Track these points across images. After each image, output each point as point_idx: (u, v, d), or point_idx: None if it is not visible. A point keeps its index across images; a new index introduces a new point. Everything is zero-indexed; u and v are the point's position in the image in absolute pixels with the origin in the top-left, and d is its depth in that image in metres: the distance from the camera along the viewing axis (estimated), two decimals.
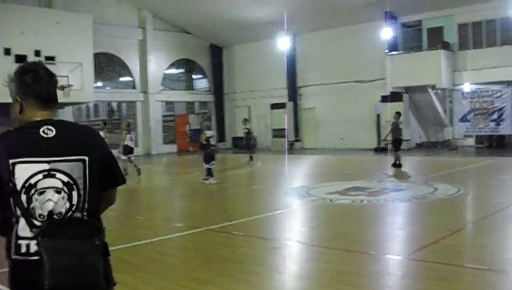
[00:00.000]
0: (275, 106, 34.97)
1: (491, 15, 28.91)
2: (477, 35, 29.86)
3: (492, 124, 27.59)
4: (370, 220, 10.58)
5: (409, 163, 22.43)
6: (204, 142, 16.77)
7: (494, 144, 28.45)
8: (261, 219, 10.94)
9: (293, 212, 12.00)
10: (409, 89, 30.01)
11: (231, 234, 9.45)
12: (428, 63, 28.99)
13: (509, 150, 27.13)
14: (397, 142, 19.62)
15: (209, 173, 16.77)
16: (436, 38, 30.47)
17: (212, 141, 17.12)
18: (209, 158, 16.81)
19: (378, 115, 30.77)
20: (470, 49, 29.84)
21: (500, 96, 28.16)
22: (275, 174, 20.65)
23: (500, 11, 27.77)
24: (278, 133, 33.97)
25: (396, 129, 19.78)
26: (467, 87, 29.52)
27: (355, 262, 7.48)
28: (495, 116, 27.70)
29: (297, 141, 35.16)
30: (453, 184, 14.45)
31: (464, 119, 29.04)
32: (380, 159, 24.35)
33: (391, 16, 30.80)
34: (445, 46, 29.70)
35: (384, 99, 30.14)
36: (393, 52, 30.63)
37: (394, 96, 29.85)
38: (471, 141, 30.50)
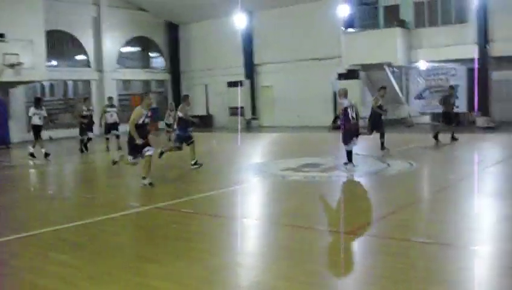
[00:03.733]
0: (231, 84, 34.68)
1: None
2: (433, 13, 30.03)
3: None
4: (321, 196, 10.53)
5: (365, 140, 22.50)
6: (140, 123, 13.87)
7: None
8: (211, 196, 10.79)
9: (245, 189, 11.86)
10: (365, 67, 30.08)
11: (180, 212, 9.29)
12: (384, 41, 29.06)
13: (463, 126, 27.47)
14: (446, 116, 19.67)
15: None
16: (393, 16, 30.58)
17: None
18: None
19: (334, 93, 30.80)
20: (425, 27, 30.02)
21: (454, 74, 28.43)
22: (230, 151, 20.49)
23: None
24: (235, 111, 33.72)
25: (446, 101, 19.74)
26: (422, 65, 29.74)
27: (303, 238, 7.40)
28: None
29: (254, 119, 34.96)
30: (407, 160, 14.52)
31: (419, 96, 29.29)
32: (336, 137, 24.34)
33: None
34: (401, 24, 29.80)
35: (341, 76, 30.18)
36: (349, 30, 30.64)
37: (350, 74, 29.93)
38: (427, 119, 30.82)
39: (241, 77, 34.92)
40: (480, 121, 27.06)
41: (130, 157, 11.88)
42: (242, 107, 33.49)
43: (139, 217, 9.22)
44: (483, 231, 7.69)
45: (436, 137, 18.77)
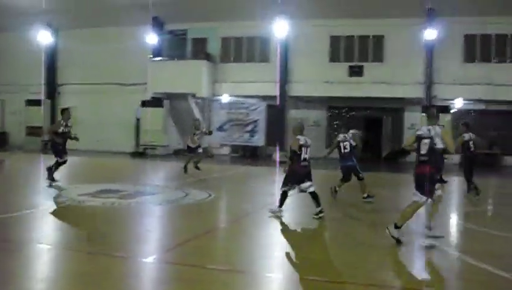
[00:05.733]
0: (30, 102, 32.99)
1: (252, 32, 30.48)
2: (239, 50, 31.25)
3: (247, 135, 29.00)
4: (119, 223, 10.32)
5: (166, 169, 22.62)
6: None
7: (247, 154, 29.83)
8: (1, 220, 10.06)
9: (39, 213, 11.21)
10: (170, 96, 30.34)
11: None
12: (190, 72, 29.59)
13: (261, 159, 28.69)
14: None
15: None
16: (200, 49, 31.30)
17: None
18: None
19: (138, 120, 30.59)
20: (231, 62, 31.08)
21: (255, 110, 29.68)
22: (24, 173, 19.41)
23: (260, 30, 29.35)
24: (33, 131, 32.07)
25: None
26: (225, 98, 30.65)
27: (100, 264, 7.17)
28: (249, 127, 29.15)
29: None
30: (205, 190, 14.74)
31: (221, 128, 30.09)
32: (137, 164, 24.16)
33: (158, 22, 30.98)
34: (208, 57, 30.60)
35: (145, 104, 30.12)
36: (156, 58, 30.77)
37: (155, 102, 29.98)
38: (227, 150, 31.72)
39: (41, 96, 33.33)
40: (278, 155, 28.39)
41: None
42: (40, 127, 31.91)
43: None
44: (276, 258, 8.01)
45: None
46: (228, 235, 9.69)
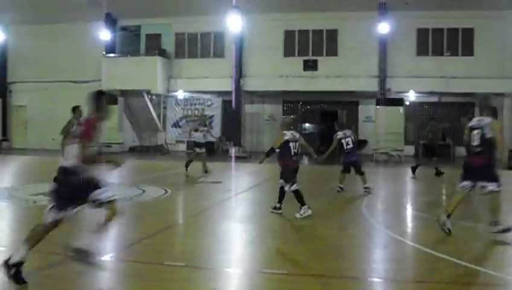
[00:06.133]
0: None
1: (206, 28, 30.40)
2: (193, 46, 31.09)
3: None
4: (73, 223, 10.10)
5: (122, 166, 22.28)
6: None
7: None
8: None
9: None
10: (124, 93, 30.00)
11: None
12: (144, 68, 29.34)
13: (217, 155, 28.64)
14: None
15: None
16: (154, 45, 31.03)
17: None
18: None
19: None
20: (185, 58, 30.92)
21: (211, 105, 29.62)
22: None
23: (214, 25, 29.28)
24: None
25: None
26: (180, 94, 30.48)
27: (54, 265, 7.02)
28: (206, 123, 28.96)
29: (4, 140, 32.82)
30: (162, 187, 14.63)
31: (176, 125, 29.93)
32: None
33: (111, 18, 30.57)
34: (162, 53, 30.36)
35: None
36: (110, 55, 30.40)
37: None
38: (183, 147, 31.55)
39: None
40: (233, 150, 28.40)
41: None
42: None
43: None
44: (232, 253, 8.01)
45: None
46: (185, 232, 9.66)
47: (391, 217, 10.33)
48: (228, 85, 29.35)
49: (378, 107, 27.23)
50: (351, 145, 14.00)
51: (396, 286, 6.43)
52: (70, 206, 6.36)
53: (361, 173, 14.10)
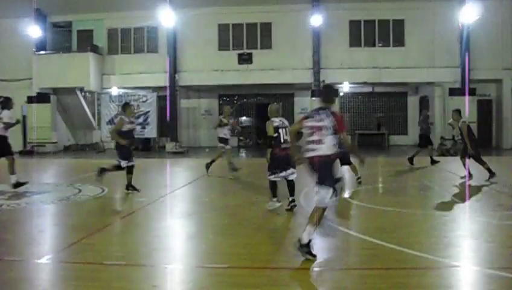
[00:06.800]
0: None
1: (139, 23, 30.02)
2: (126, 41, 30.69)
3: (139, 128, 28.47)
4: (9, 226, 9.82)
5: (57, 166, 21.96)
6: None
7: (140, 146, 29.35)
8: None
9: None
10: (57, 91, 29.41)
11: None
12: (77, 65, 28.80)
13: (154, 152, 28.45)
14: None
15: None
16: (86, 41, 30.47)
17: None
18: None
19: (24, 117, 29.33)
20: (118, 54, 30.48)
21: (146, 101, 29.31)
22: None
23: (148, 20, 29.00)
24: None
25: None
26: (114, 91, 30.04)
27: None
28: (141, 120, 28.71)
29: None
30: (99, 185, 14.40)
31: (111, 122, 29.49)
32: (25, 162, 23.22)
33: (41, 15, 29.83)
34: (95, 49, 29.84)
35: (31, 100, 28.99)
36: (41, 52, 29.67)
37: (41, 97, 28.92)
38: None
39: None
40: (170, 146, 28.24)
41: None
42: None
43: None
44: (173, 249, 7.96)
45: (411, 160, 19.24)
46: (124, 230, 9.53)
47: (329, 207, 10.42)
48: (163, 80, 29.12)
49: (313, 98, 27.52)
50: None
51: (337, 274, 6.53)
52: None
53: (349, 163, 14.04)
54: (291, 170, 10.46)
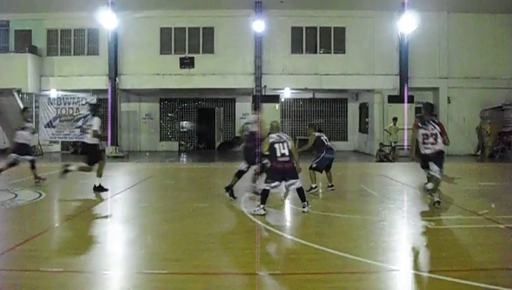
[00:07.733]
0: None
1: (79, 24, 29.58)
2: (66, 43, 30.17)
3: (78, 131, 28.03)
4: None
5: None
6: None
7: (79, 150, 28.83)
8: None
9: None
10: None
11: None
12: (14, 66, 28.17)
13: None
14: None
15: None
16: (24, 41, 29.81)
17: None
18: None
19: None
20: (58, 56, 29.94)
21: (85, 104, 28.84)
22: None
23: (89, 22, 28.57)
24: None
25: None
26: (53, 93, 29.48)
27: None
28: (80, 123, 28.24)
29: None
30: (36, 190, 14.13)
31: (49, 125, 28.92)
32: None
33: None
34: (33, 50, 29.23)
35: None
36: None
37: None
38: (57, 147, 30.61)
39: None
40: (110, 150, 27.90)
41: None
42: None
43: None
44: (112, 255, 7.89)
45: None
46: (61, 235, 9.36)
47: (270, 213, 10.60)
48: (103, 83, 28.77)
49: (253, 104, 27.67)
50: (329, 143, 14.69)
51: (277, 279, 6.60)
52: None
53: (328, 170, 14.62)
54: (290, 181, 10.91)
